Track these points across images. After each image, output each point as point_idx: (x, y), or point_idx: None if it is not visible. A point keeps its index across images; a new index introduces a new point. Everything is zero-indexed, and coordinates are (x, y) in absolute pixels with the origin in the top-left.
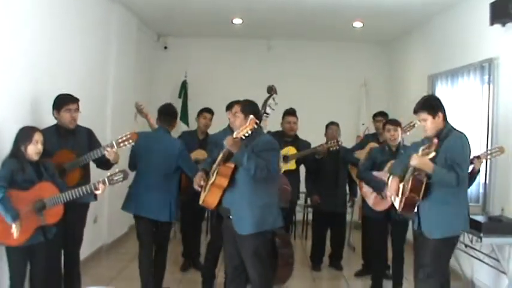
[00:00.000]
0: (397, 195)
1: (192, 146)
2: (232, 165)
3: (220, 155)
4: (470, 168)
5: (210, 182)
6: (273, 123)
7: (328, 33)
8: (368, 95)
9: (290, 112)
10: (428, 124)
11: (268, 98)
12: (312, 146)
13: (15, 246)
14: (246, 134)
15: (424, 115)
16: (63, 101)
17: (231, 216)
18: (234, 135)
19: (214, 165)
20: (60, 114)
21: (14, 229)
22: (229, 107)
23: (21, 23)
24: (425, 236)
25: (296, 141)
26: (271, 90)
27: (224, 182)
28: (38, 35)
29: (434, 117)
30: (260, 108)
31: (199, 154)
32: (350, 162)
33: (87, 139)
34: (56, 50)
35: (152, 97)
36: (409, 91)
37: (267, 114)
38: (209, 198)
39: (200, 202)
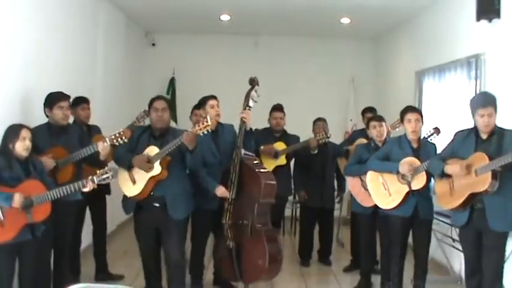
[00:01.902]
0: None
1: None
2: (169, 158)
3: (170, 148)
4: None
5: (150, 175)
6: (261, 120)
7: (316, 29)
8: (356, 91)
9: (276, 108)
10: (492, 120)
11: (251, 90)
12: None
13: (2, 243)
14: (206, 132)
15: (492, 110)
16: (56, 98)
17: (157, 204)
18: (196, 132)
19: (155, 159)
20: (52, 111)
21: (16, 204)
22: (199, 104)
23: (6, 21)
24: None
25: (285, 137)
26: (253, 82)
27: (165, 173)
28: (25, 33)
29: (496, 114)
30: (243, 101)
31: None
32: (339, 155)
33: (78, 137)
34: (43, 48)
35: (140, 94)
36: (397, 87)
37: (250, 107)
38: (147, 189)
39: (133, 195)
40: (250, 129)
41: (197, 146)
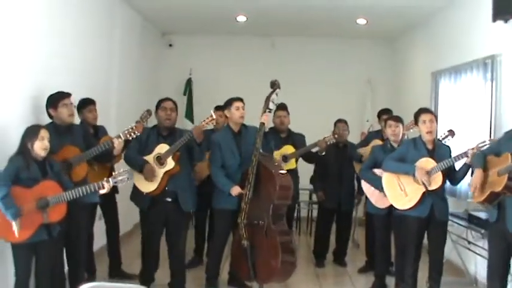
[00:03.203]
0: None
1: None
2: (179, 153)
3: (180, 144)
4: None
5: (165, 169)
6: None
7: (332, 30)
8: (372, 91)
9: (280, 106)
10: None
11: (272, 93)
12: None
13: (19, 242)
14: (211, 124)
15: None
16: (60, 97)
17: (169, 199)
18: (202, 125)
19: (167, 155)
20: (58, 110)
21: (15, 227)
22: (225, 105)
23: (24, 23)
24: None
25: (291, 137)
26: (274, 85)
27: (178, 167)
28: (43, 34)
29: None
30: (263, 105)
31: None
32: (354, 159)
33: (82, 134)
34: (60, 49)
35: (157, 95)
36: (413, 88)
37: (270, 109)
38: (162, 184)
39: (150, 191)
40: (269, 129)
41: (204, 140)
